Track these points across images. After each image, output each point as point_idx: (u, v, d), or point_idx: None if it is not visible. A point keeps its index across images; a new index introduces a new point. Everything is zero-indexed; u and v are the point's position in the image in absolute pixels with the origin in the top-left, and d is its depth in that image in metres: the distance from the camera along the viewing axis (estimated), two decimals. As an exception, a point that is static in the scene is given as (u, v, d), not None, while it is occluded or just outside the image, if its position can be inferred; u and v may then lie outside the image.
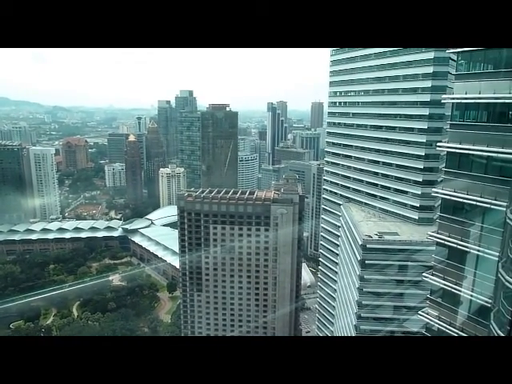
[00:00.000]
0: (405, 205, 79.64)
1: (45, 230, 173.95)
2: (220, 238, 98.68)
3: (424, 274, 31.13)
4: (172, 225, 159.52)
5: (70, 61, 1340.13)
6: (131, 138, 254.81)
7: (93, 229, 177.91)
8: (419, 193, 76.50)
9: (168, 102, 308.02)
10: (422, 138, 75.65)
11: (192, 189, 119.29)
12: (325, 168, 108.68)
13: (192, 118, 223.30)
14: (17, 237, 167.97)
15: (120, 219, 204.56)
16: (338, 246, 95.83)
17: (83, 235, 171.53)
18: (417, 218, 76.83)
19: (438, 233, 28.80)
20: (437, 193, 28.81)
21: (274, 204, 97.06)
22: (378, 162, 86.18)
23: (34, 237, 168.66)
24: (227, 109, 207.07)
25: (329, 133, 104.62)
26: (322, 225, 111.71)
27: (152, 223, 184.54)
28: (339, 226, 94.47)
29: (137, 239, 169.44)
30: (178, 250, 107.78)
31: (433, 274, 29.44)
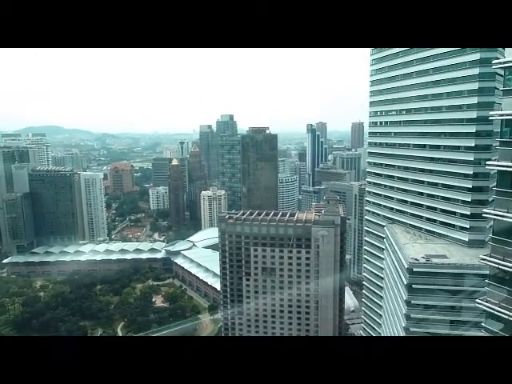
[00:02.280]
0: (453, 226, 75.96)
1: (93, 252, 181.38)
2: (261, 260, 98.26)
3: (477, 300, 29.27)
4: (213, 247, 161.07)
5: (118, 89, 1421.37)
6: (174, 162, 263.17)
7: (137, 251, 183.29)
8: (469, 213, 72.82)
9: (209, 127, 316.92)
10: (470, 156, 72.51)
11: (233, 211, 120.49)
12: (367, 189, 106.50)
13: (232, 142, 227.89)
14: (67, 258, 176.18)
15: (163, 241, 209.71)
16: (382, 269, 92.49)
17: (128, 257, 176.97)
18: (467, 239, 72.89)
19: (490, 256, 27.15)
20: (488, 213, 27.33)
21: (315, 226, 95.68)
22: (422, 182, 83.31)
23: (82, 258, 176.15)
24: (267, 131, 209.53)
25: (370, 153, 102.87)
26: (365, 247, 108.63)
27: (194, 245, 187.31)
28: (383, 249, 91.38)
29: (179, 261, 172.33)
30: (219, 272, 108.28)
31: (487, 301, 27.61)
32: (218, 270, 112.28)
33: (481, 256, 28.34)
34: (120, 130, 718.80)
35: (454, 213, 75.99)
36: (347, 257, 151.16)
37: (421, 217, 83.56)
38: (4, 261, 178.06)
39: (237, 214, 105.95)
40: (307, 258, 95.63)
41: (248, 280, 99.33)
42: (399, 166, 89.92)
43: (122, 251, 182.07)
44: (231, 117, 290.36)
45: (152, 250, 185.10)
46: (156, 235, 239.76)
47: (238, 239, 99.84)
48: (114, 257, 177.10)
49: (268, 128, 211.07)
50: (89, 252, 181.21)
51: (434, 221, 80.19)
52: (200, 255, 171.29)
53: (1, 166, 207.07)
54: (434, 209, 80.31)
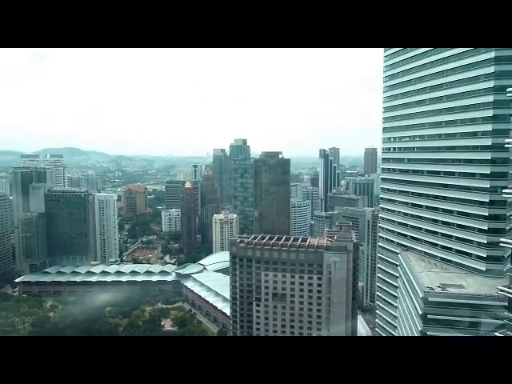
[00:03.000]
0: (469, 255, 74.19)
1: (104, 273, 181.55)
2: (272, 285, 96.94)
3: (496, 333, 28.19)
4: (224, 270, 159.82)
5: (134, 112, 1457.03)
6: (187, 184, 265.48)
7: (148, 273, 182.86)
8: (485, 242, 71.15)
9: (223, 151, 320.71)
10: (485, 184, 71.54)
11: (244, 235, 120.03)
12: (380, 215, 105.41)
13: (245, 166, 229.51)
14: (78, 278, 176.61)
15: (174, 264, 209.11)
16: (396, 297, 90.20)
17: (139, 279, 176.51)
18: (484, 269, 70.94)
19: (509, 287, 26.29)
20: (506, 243, 26.64)
21: (327, 251, 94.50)
22: (437, 209, 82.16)
23: (93, 279, 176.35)
24: (279, 156, 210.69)
25: (383, 179, 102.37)
26: (378, 274, 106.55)
27: (204, 268, 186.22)
28: (397, 277, 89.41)
29: (189, 284, 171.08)
30: (229, 297, 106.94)
31: (506, 334, 26.56)
32: (228, 295, 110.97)
33: (499, 287, 27.49)
34: (135, 152, 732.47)
35: (470, 241, 74.38)
36: (360, 284, 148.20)
37: (436, 244, 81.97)
38: (16, 280, 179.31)
39: (248, 237, 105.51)
40: (319, 285, 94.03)
41: (258, 306, 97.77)
42: (413, 193, 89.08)
43: (133, 273, 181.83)
44: (244, 141, 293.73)
45: (162, 273, 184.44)
46: (167, 257, 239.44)
47: (248, 263, 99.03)
48: (124, 278, 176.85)
49: (281, 152, 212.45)
50: (100, 273, 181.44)
51: (450, 249, 78.52)
52: (210, 279, 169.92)
53: (19, 186, 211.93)
54: (450, 236, 78.79)
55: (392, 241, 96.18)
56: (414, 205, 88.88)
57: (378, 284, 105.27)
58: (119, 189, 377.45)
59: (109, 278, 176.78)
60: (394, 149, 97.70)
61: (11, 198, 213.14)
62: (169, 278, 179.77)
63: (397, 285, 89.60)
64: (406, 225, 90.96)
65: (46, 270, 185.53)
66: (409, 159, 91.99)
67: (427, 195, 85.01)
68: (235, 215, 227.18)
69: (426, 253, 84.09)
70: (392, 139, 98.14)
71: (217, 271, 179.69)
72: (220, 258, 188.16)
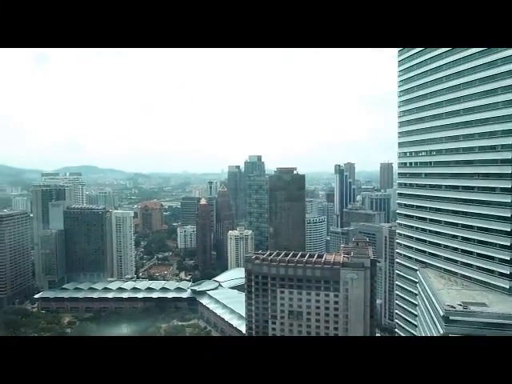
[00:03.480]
0: (492, 272, 72.00)
1: (120, 289, 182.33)
2: (287, 302, 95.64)
3: None
4: (239, 287, 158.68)
5: (150, 130, 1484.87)
6: (202, 201, 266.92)
7: (164, 289, 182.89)
8: (508, 258, 69.03)
9: (237, 167, 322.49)
10: (507, 198, 69.86)
11: (260, 251, 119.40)
12: (397, 231, 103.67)
13: (260, 182, 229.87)
14: (95, 295, 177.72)
15: (189, 280, 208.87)
16: (415, 315, 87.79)
17: (154, 295, 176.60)
18: (507, 287, 68.65)
19: (535, 305, 25.28)
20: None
21: (344, 268, 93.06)
22: (456, 225, 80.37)
23: (110, 295, 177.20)
24: (294, 172, 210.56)
25: (400, 194, 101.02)
26: (396, 292, 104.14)
27: (220, 285, 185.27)
28: (416, 294, 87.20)
29: (204, 301, 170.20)
30: (244, 314, 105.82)
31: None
32: (243, 312, 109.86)
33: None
34: (152, 169, 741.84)
35: (492, 258, 72.29)
36: (378, 301, 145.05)
37: (456, 261, 79.91)
38: (35, 296, 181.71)
39: (263, 254, 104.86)
40: (335, 302, 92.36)
41: (274, 323, 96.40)
42: (431, 208, 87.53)
43: (149, 290, 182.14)
44: (259, 157, 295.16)
45: (178, 289, 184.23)
46: (182, 274, 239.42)
47: (264, 280, 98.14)
48: (140, 295, 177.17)
49: (295, 168, 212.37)
50: (116, 289, 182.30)
51: (471, 266, 76.40)
52: (226, 296, 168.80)
53: (39, 204, 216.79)
54: (470, 253, 76.76)
55: (410, 257, 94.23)
56: (432, 220, 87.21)
57: (397, 302, 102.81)
58: (136, 206, 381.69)
59: (125, 295, 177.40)
60: (411, 163, 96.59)
61: (31, 215, 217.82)
62: (184, 295, 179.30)
63: (416, 303, 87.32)
64: (425, 241, 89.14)
65: (64, 287, 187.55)
66: (426, 174, 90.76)
67: (446, 210, 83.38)
68: (250, 231, 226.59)
69: (445, 270, 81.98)
70: (408, 154, 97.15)
71: (232, 288, 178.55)
72: (235, 275, 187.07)
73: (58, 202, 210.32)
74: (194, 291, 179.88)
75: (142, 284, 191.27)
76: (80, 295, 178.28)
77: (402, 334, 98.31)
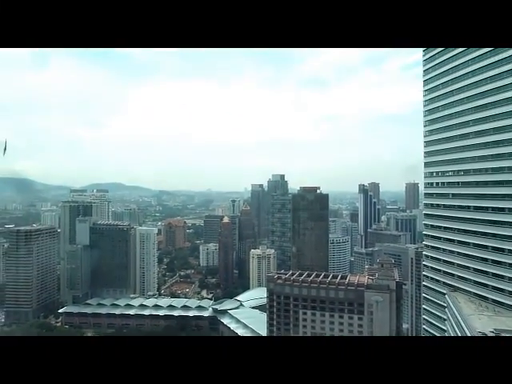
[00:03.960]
0: (525, 297, 68.59)
1: (142, 306, 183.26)
2: (310, 324, 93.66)
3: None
4: (261, 307, 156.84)
5: (175, 148, 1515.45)
6: (225, 219, 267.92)
7: (185, 307, 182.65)
8: (543, 284, 65.73)
9: (261, 186, 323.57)
10: (540, 221, 66.97)
11: (282, 271, 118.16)
12: (424, 252, 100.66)
13: (283, 201, 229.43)
14: (117, 311, 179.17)
15: (211, 299, 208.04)
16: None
17: (176, 313, 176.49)
18: (543, 314, 65.12)
19: None
20: None
21: (368, 290, 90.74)
22: (485, 247, 77.44)
23: (132, 312, 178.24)
24: (318, 191, 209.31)
25: (426, 215, 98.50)
26: (424, 316, 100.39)
27: (241, 305, 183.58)
28: (445, 319, 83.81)
29: (225, 321, 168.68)
30: (265, 335, 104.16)
31: None
32: (264, 333, 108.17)
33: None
34: (176, 187, 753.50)
35: (525, 282, 69.02)
36: (404, 326, 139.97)
37: (487, 285, 76.65)
38: (59, 310, 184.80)
39: (286, 274, 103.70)
40: (360, 325, 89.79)
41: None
42: (459, 229, 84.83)
43: (170, 307, 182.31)
44: (282, 176, 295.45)
45: (199, 308, 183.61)
46: (204, 292, 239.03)
47: (286, 301, 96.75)
48: (161, 312, 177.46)
49: (319, 187, 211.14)
50: (138, 306, 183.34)
51: (502, 290, 73.08)
52: (247, 315, 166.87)
53: (67, 219, 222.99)
54: (502, 277, 73.55)
55: (438, 280, 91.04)
56: (460, 242, 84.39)
57: (424, 327, 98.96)
58: (160, 223, 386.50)
59: (146, 312, 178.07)
60: (437, 183, 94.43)
61: (59, 230, 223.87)
62: (205, 314, 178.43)
63: (445, 328, 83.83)
64: (453, 263, 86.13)
65: (87, 302, 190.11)
66: (453, 194, 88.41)
67: (475, 232, 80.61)
68: (273, 250, 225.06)
69: (475, 294, 78.68)
70: (434, 174, 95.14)
71: (254, 308, 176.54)
72: (257, 295, 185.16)
73: (84, 218, 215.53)
74: (215, 310, 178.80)
75: (164, 301, 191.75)
76: (103, 311, 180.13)
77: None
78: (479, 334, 58.75)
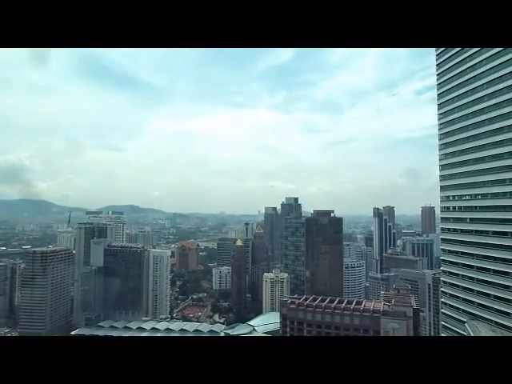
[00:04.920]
0: (550, 327, 65.75)
1: (154, 329, 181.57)
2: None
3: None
4: (274, 332, 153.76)
5: (188, 171, 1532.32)
6: (238, 242, 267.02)
7: (197, 331, 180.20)
8: None
9: (274, 209, 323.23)
10: None
11: (295, 295, 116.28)
12: (442, 278, 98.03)
13: (297, 224, 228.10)
14: (129, 334, 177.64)
15: (223, 323, 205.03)
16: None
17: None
18: None
19: None
20: None
21: (384, 317, 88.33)
22: (506, 274, 75.08)
23: (143, 335, 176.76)
24: (331, 214, 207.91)
25: (443, 239, 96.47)
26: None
27: (254, 330, 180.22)
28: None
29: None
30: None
31: None
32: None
33: None
34: (190, 210, 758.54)
35: (549, 311, 66.33)
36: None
37: (508, 314, 73.86)
38: (72, 332, 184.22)
39: (299, 298, 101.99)
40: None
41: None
42: (478, 255, 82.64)
43: (182, 331, 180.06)
44: (296, 200, 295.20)
45: (211, 332, 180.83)
46: (216, 316, 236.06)
47: (299, 326, 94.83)
48: (173, 336, 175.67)
49: (333, 211, 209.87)
50: (150, 329, 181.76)
51: (526, 319, 70.32)
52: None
53: (82, 241, 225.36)
54: (525, 305, 70.92)
55: (457, 308, 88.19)
56: (480, 268, 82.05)
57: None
58: (173, 245, 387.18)
59: (158, 335, 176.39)
60: (454, 208, 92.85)
61: (74, 251, 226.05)
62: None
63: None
64: (472, 290, 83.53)
65: (99, 324, 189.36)
66: (471, 219, 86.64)
67: (494, 258, 78.41)
68: (286, 274, 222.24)
69: (497, 323, 75.79)
70: (451, 197, 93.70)
71: (266, 333, 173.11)
72: (270, 319, 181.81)
73: (99, 240, 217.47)
74: (226, 335, 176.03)
75: (176, 325, 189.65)
76: (114, 334, 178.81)
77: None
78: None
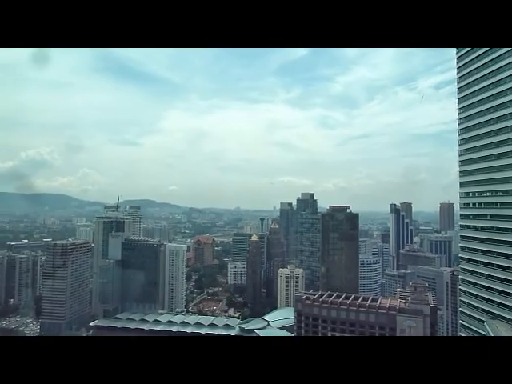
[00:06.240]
0: None
1: (170, 322, 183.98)
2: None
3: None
4: (288, 328, 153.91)
5: (205, 168, 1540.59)
6: (254, 237, 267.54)
7: (212, 325, 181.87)
8: None
9: (290, 204, 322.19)
10: None
11: (310, 291, 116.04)
12: (460, 276, 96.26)
13: (312, 220, 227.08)
14: (146, 326, 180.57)
15: (238, 317, 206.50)
16: (483, 373, 79.37)
17: (202, 331, 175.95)
18: None
19: None
20: None
21: (401, 314, 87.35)
22: (529, 273, 73.24)
23: (160, 328, 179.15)
24: (348, 210, 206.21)
25: (463, 237, 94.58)
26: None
27: (268, 325, 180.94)
28: (483, 348, 79.21)
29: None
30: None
31: None
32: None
33: None
34: (206, 205, 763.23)
35: None
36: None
37: (529, 313, 72.16)
38: (91, 323, 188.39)
39: (314, 294, 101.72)
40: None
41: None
42: (498, 253, 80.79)
43: (198, 325, 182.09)
44: (312, 195, 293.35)
45: (226, 326, 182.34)
46: (231, 311, 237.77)
47: (314, 322, 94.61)
48: (189, 330, 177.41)
49: (349, 207, 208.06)
50: (166, 322, 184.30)
51: (548, 319, 68.54)
52: (274, 336, 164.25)
53: (100, 234, 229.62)
54: (547, 305, 69.10)
55: (476, 306, 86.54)
56: (500, 266, 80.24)
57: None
58: (189, 240, 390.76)
59: (174, 328, 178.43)
60: (474, 204, 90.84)
61: (93, 245, 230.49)
62: (232, 333, 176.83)
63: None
64: (492, 289, 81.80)
65: (117, 316, 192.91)
66: (491, 216, 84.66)
67: (516, 256, 76.56)
68: (301, 270, 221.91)
69: (517, 322, 74.15)
70: (471, 194, 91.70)
71: (281, 328, 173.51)
72: (284, 315, 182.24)
73: (117, 234, 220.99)
74: (242, 329, 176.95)
75: (191, 318, 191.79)
76: (132, 326, 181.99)
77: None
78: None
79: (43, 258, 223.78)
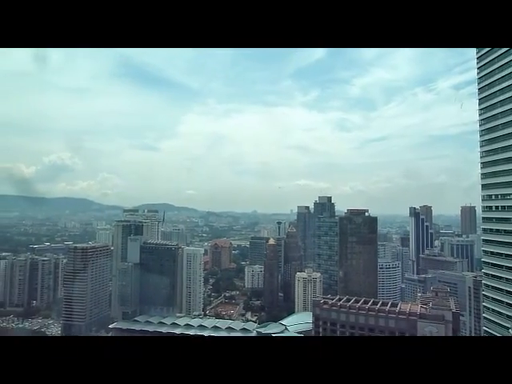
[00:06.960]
0: None
1: (187, 326, 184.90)
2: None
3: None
4: (306, 332, 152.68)
5: (222, 172, 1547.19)
6: (271, 241, 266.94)
7: (229, 329, 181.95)
8: None
9: (307, 208, 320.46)
10: None
11: (328, 295, 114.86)
12: (483, 281, 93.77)
13: (330, 223, 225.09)
14: (164, 329, 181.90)
15: (255, 321, 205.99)
16: (508, 381, 76.94)
17: (220, 334, 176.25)
18: None
19: None
20: None
21: (421, 320, 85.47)
22: (556, 278, 70.75)
23: (177, 331, 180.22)
24: (366, 214, 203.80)
25: (485, 240, 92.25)
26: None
27: (286, 329, 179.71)
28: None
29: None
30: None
31: None
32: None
33: None
34: (223, 208, 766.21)
35: None
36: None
37: (557, 320, 69.62)
38: (110, 326, 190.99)
39: (332, 299, 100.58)
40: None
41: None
42: (524, 258, 78.42)
43: (215, 328, 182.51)
44: (329, 199, 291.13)
45: (243, 330, 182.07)
46: (249, 315, 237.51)
47: (332, 327, 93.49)
48: (206, 333, 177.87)
49: (367, 210, 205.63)
50: (183, 325, 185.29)
51: None
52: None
53: (119, 238, 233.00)
54: None
55: (500, 312, 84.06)
56: (525, 271, 77.87)
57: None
58: (206, 243, 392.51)
59: (192, 332, 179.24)
60: (497, 207, 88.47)
61: (112, 248, 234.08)
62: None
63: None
64: (517, 294, 79.41)
65: (136, 319, 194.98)
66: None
67: (542, 261, 74.11)
68: (319, 274, 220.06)
69: (544, 330, 71.65)
70: (494, 197, 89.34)
71: (298, 333, 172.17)
72: (302, 319, 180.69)
73: (135, 237, 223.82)
74: (259, 333, 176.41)
75: (209, 322, 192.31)
76: (150, 328, 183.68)
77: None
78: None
79: (64, 261, 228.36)
